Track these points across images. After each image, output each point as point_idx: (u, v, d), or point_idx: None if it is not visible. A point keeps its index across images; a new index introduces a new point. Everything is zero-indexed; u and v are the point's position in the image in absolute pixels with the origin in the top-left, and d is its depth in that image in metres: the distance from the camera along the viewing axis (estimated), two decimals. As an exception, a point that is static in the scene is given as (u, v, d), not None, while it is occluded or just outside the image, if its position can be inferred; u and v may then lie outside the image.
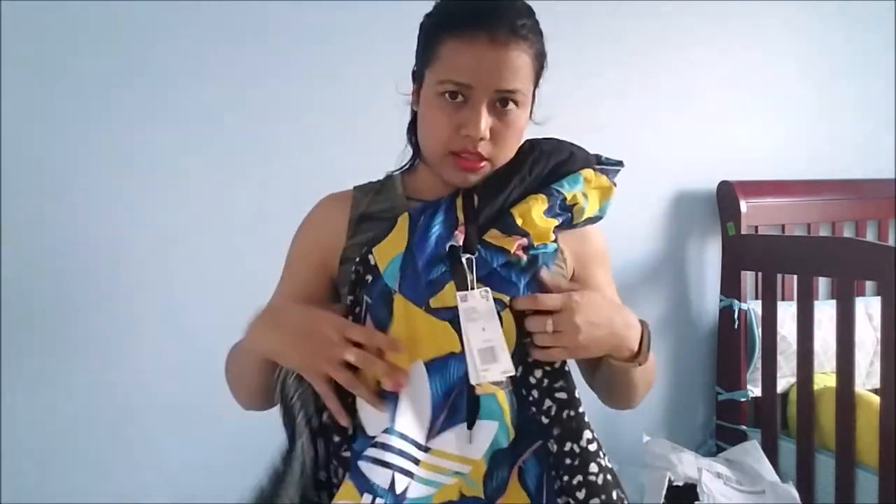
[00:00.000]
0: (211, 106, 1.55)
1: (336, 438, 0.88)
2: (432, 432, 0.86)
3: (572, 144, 1.00)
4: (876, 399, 1.74)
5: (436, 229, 0.90)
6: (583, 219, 0.97)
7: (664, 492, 1.62)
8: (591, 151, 1.08)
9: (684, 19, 2.08)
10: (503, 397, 0.87)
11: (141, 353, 1.52)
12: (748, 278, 2.08)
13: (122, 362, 1.51)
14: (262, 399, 0.97)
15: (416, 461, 0.84)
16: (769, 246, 2.01)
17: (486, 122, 0.90)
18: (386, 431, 0.84)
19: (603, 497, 0.85)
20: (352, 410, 0.87)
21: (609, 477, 0.87)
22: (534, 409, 0.88)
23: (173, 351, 1.54)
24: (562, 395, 0.88)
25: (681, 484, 1.65)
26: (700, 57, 2.12)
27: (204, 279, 1.56)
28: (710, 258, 2.17)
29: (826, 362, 1.97)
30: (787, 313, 1.96)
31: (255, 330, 0.92)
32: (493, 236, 0.90)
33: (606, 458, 0.88)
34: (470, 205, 0.93)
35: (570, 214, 0.95)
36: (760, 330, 2.00)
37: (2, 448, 1.41)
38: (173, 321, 1.54)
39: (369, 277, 0.91)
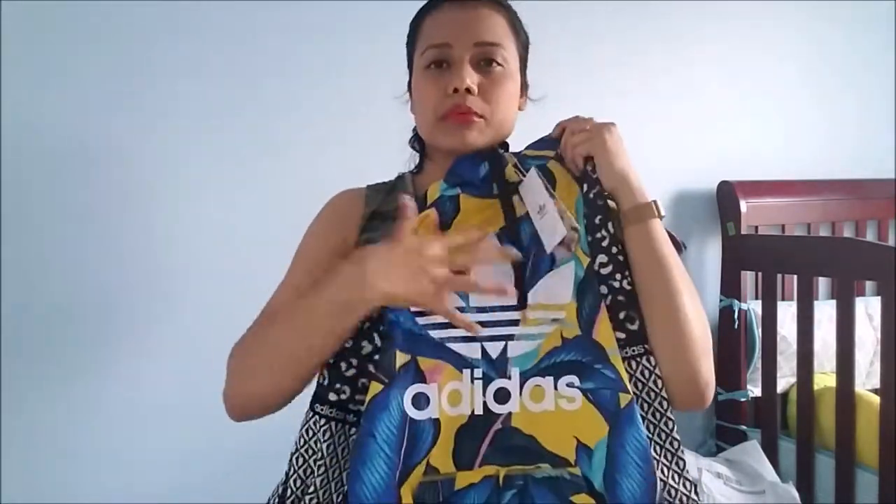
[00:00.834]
0: (214, 106, 1.54)
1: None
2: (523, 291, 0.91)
3: None
4: (876, 399, 1.74)
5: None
6: None
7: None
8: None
9: (684, 19, 2.08)
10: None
11: (141, 354, 1.52)
12: (748, 278, 2.08)
13: (122, 363, 1.51)
14: (307, 378, 0.90)
15: (512, 322, 0.89)
16: (769, 246, 2.01)
17: (469, 74, 0.93)
18: (460, 310, 0.88)
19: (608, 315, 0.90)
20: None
21: (623, 298, 0.91)
22: None
23: (175, 352, 1.54)
24: None
25: (681, 484, 1.64)
26: (700, 57, 2.12)
27: (206, 280, 1.55)
28: (710, 258, 2.17)
29: (826, 362, 1.97)
30: (787, 313, 1.96)
31: (352, 280, 0.85)
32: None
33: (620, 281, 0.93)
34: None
35: None
36: (760, 330, 2.00)
37: (2, 448, 1.41)
38: (174, 322, 1.54)
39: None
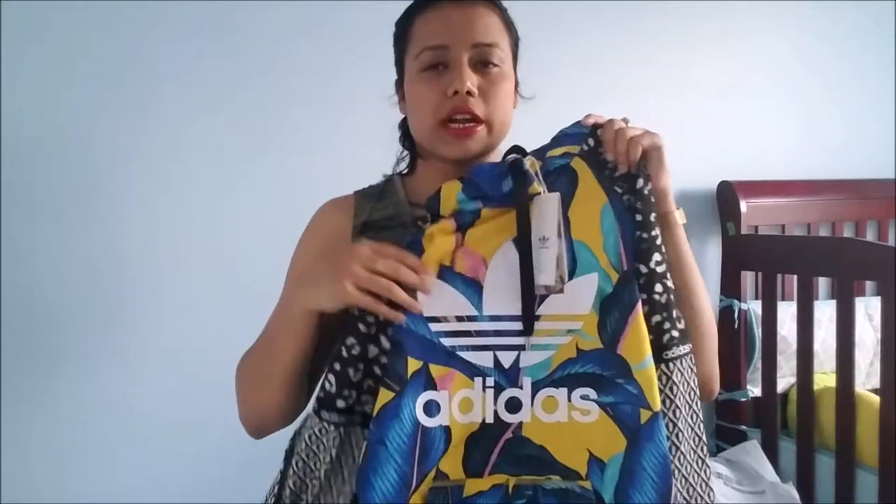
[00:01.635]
0: (207, 106, 1.54)
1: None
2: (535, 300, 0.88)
3: None
4: (876, 399, 1.74)
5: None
6: None
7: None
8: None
9: (684, 19, 2.08)
10: (598, 245, 0.89)
11: (141, 355, 1.52)
12: (748, 278, 2.08)
13: (122, 364, 1.51)
14: (293, 392, 0.92)
15: (518, 333, 0.87)
16: (769, 246, 2.01)
17: (469, 76, 0.92)
18: (473, 319, 0.87)
19: (664, 314, 0.88)
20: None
21: (672, 297, 0.90)
22: None
23: (173, 353, 1.54)
24: None
25: (681, 484, 1.64)
26: (700, 57, 2.12)
27: (205, 280, 1.56)
28: (710, 258, 2.16)
29: (826, 362, 1.97)
30: (787, 313, 1.96)
31: (288, 295, 0.93)
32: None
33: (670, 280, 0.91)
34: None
35: None
36: (760, 330, 1.99)
37: (2, 448, 1.41)
38: (173, 322, 1.54)
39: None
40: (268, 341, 0.95)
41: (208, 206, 1.56)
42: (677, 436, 0.87)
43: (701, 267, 2.25)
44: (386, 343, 0.87)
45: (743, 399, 2.05)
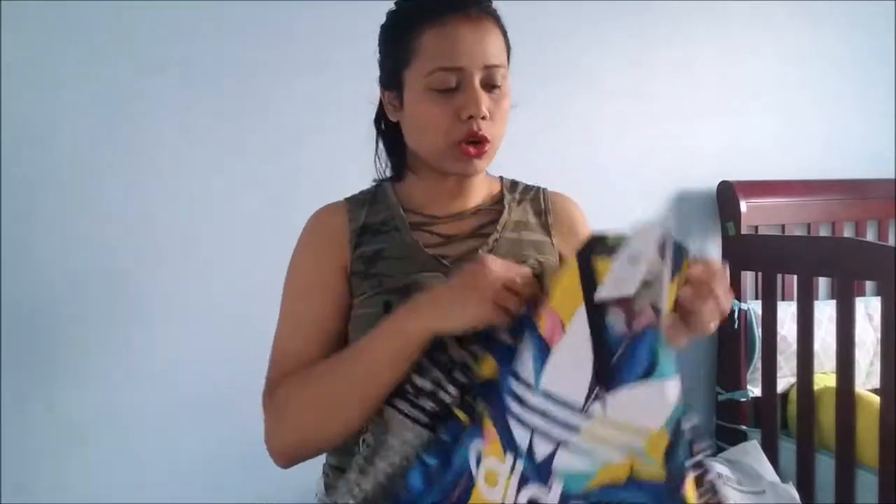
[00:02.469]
0: (209, 106, 1.55)
1: None
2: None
3: None
4: (876, 399, 1.74)
5: None
6: None
7: (664, 492, 1.62)
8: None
9: (684, 19, 2.08)
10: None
11: (141, 354, 1.52)
12: (748, 278, 2.08)
13: (122, 363, 1.51)
14: (366, 417, 0.88)
15: (570, 427, 0.72)
16: (769, 246, 2.01)
17: (484, 100, 0.91)
18: (529, 387, 0.74)
19: None
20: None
21: None
22: None
23: (176, 351, 1.54)
24: None
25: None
26: (700, 56, 2.12)
27: (209, 280, 1.56)
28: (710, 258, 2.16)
29: (826, 362, 1.97)
30: (787, 313, 1.96)
31: (400, 318, 0.84)
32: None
33: None
34: None
35: None
36: (760, 330, 1.99)
37: (2, 448, 1.41)
38: (174, 321, 1.54)
39: None
40: (358, 364, 0.87)
41: (208, 205, 1.56)
42: None
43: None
44: (475, 352, 0.82)
45: (743, 399, 2.05)
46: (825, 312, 1.89)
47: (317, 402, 0.89)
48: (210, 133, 1.55)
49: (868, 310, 2.06)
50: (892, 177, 2.36)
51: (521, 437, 0.75)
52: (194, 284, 1.55)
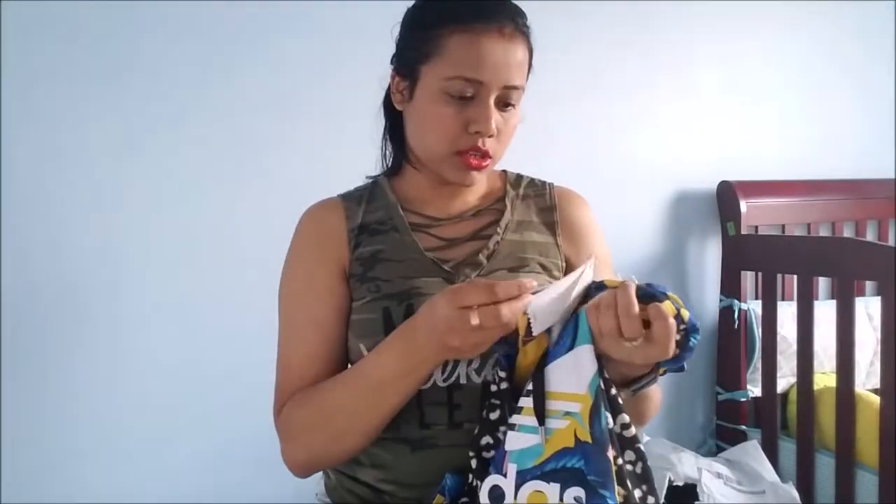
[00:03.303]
0: (209, 106, 1.54)
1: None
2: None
3: None
4: (876, 399, 1.74)
5: None
6: None
7: (664, 492, 1.62)
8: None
9: (684, 19, 2.08)
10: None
11: (141, 354, 1.52)
12: (748, 278, 2.08)
13: (122, 363, 1.51)
14: (376, 435, 0.89)
15: (512, 408, 0.78)
16: (769, 246, 2.01)
17: (496, 119, 0.90)
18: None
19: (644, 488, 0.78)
20: None
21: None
22: None
23: (174, 352, 1.54)
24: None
25: (681, 484, 1.65)
26: (700, 56, 2.12)
27: (204, 281, 1.56)
28: (710, 258, 2.17)
29: (826, 362, 1.97)
30: (787, 313, 1.96)
31: (422, 344, 0.82)
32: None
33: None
34: None
35: None
36: (760, 330, 2.00)
37: (2, 448, 1.41)
38: (174, 322, 1.54)
39: None
40: (368, 392, 0.86)
41: (216, 208, 1.56)
42: None
43: (701, 267, 2.28)
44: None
45: (743, 399, 2.05)
46: (825, 312, 1.89)
47: (324, 423, 0.89)
48: (212, 134, 1.55)
49: (868, 310, 2.06)
50: (892, 177, 2.36)
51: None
52: (196, 285, 1.55)
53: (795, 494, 1.69)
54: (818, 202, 2.20)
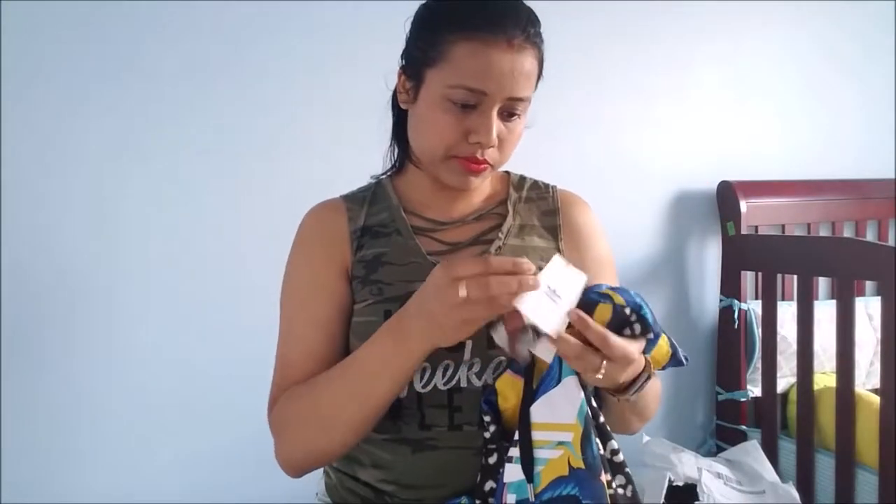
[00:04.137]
0: (210, 106, 1.55)
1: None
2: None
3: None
4: (876, 399, 1.74)
5: None
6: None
7: (664, 492, 1.62)
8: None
9: (684, 19, 2.08)
10: None
11: (142, 354, 1.52)
12: (748, 278, 2.08)
13: (123, 363, 1.51)
14: (367, 429, 0.88)
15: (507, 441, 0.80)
16: (769, 246, 2.01)
17: (497, 129, 0.89)
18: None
19: None
20: None
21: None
22: None
23: (175, 351, 1.54)
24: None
25: (681, 484, 1.65)
26: (700, 56, 2.12)
27: (204, 281, 1.56)
28: (710, 258, 2.17)
29: (826, 362, 1.97)
30: (787, 313, 1.96)
31: (405, 332, 0.82)
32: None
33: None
34: None
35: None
36: (760, 330, 2.00)
37: (2, 448, 1.41)
38: (173, 322, 1.54)
39: None
40: (356, 381, 0.86)
41: (216, 206, 1.56)
42: None
43: (701, 267, 2.28)
44: None
45: (743, 399, 2.05)
46: (825, 312, 1.89)
47: (314, 417, 0.88)
48: (212, 134, 1.55)
49: (868, 310, 2.06)
50: (892, 177, 2.36)
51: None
52: (196, 285, 1.55)
53: (795, 494, 1.69)
54: (818, 202, 2.20)
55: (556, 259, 0.79)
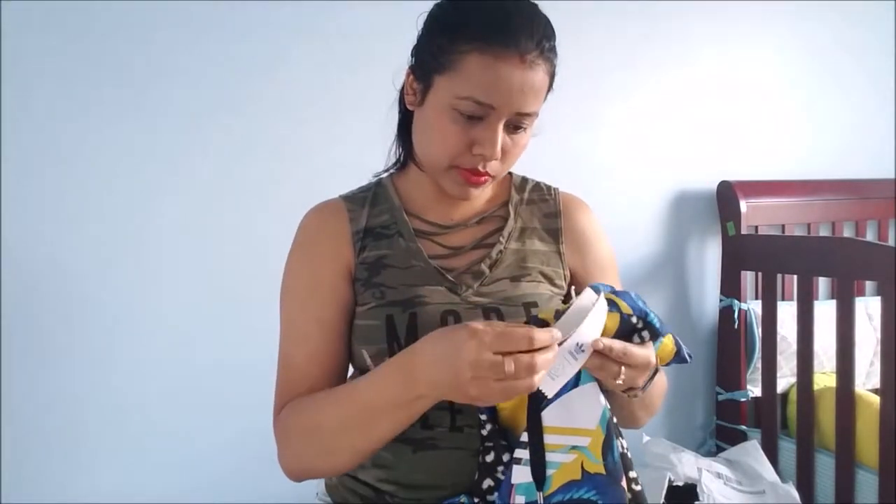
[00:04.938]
0: (208, 105, 1.55)
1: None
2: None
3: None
4: (876, 399, 1.74)
5: None
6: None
7: (664, 492, 1.62)
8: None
9: (685, 19, 2.08)
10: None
11: (141, 354, 1.52)
12: (748, 278, 2.08)
13: (122, 363, 1.51)
14: (370, 454, 0.88)
15: (518, 443, 0.79)
16: (769, 246, 2.01)
17: (503, 143, 0.88)
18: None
19: None
20: None
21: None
22: None
23: (175, 351, 1.54)
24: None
25: (681, 484, 1.65)
26: (700, 57, 2.12)
27: (204, 281, 1.56)
28: (710, 258, 2.17)
29: (826, 362, 1.97)
30: (787, 313, 1.96)
31: (416, 379, 0.79)
32: None
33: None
34: None
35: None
36: (760, 330, 2.00)
37: (2, 448, 1.41)
38: (173, 321, 1.54)
39: None
40: (359, 415, 0.84)
41: (209, 206, 1.56)
42: None
43: (701, 267, 2.28)
44: None
45: (743, 399, 2.05)
46: (825, 312, 1.89)
47: (316, 437, 0.88)
48: (214, 135, 1.55)
49: (868, 310, 2.06)
50: (892, 177, 2.37)
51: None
52: (196, 286, 1.55)
53: (795, 494, 1.69)
54: (818, 202, 2.21)
55: (591, 310, 0.76)
